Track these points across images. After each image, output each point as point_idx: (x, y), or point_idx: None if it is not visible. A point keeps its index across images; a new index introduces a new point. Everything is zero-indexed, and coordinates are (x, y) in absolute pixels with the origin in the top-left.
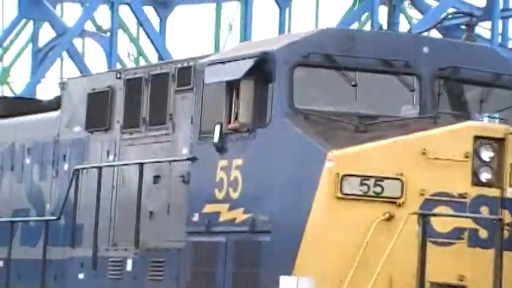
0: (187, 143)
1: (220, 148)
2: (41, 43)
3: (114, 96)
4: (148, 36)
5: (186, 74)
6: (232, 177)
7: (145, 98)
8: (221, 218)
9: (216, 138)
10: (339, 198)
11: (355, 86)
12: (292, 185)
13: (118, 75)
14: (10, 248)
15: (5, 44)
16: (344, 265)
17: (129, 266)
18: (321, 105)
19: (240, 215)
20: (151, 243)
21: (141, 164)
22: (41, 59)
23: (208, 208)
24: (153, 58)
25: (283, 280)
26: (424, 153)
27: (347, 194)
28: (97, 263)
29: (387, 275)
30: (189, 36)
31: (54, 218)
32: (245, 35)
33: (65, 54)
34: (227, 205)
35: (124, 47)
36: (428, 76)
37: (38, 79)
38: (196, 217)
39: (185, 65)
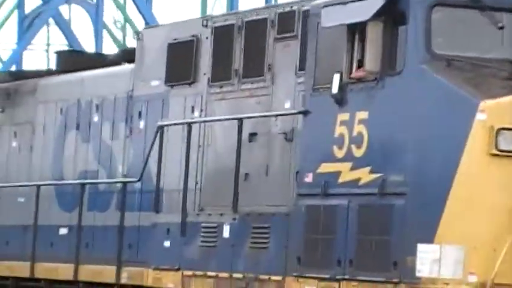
0: (290, 96)
1: (340, 100)
2: (27, 10)
3: (200, 46)
4: (135, 3)
5: (289, 20)
6: (356, 133)
7: (238, 47)
8: (341, 179)
9: (334, 89)
10: (492, 155)
11: (501, 28)
12: (432, 140)
13: (204, 23)
14: (81, 213)
15: None
16: (499, 232)
17: (225, 232)
18: (462, 50)
19: (365, 175)
20: (250, 207)
21: (241, 120)
22: (28, 26)
23: (325, 167)
24: (140, 25)
25: (423, 248)
26: None
27: (503, 151)
28: (186, 229)
29: None
30: (175, 2)
31: (135, 180)
32: (232, 0)
33: (51, 21)
34: (349, 164)
35: (110, 14)
36: None
37: (24, 46)
38: (309, 178)
39: (287, 9)
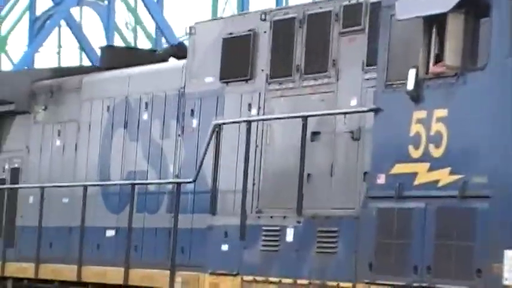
0: (356, 92)
1: (416, 97)
2: (39, 12)
3: (257, 40)
4: (146, 5)
5: (355, 13)
6: (434, 131)
7: (300, 42)
8: (418, 180)
9: (410, 85)
10: None
11: None
12: None
13: (263, 17)
14: (131, 215)
15: (2, 13)
16: None
17: (289, 236)
18: None
19: (445, 176)
20: (313, 210)
21: (305, 117)
22: (39, 28)
23: (399, 168)
24: (151, 27)
25: (511, 255)
26: None
27: None
28: (246, 232)
29: None
30: (186, 5)
31: (190, 180)
32: (242, 3)
33: (62, 23)
34: (426, 164)
35: (121, 16)
36: None
37: (36, 48)
38: (381, 179)
39: (353, 1)
